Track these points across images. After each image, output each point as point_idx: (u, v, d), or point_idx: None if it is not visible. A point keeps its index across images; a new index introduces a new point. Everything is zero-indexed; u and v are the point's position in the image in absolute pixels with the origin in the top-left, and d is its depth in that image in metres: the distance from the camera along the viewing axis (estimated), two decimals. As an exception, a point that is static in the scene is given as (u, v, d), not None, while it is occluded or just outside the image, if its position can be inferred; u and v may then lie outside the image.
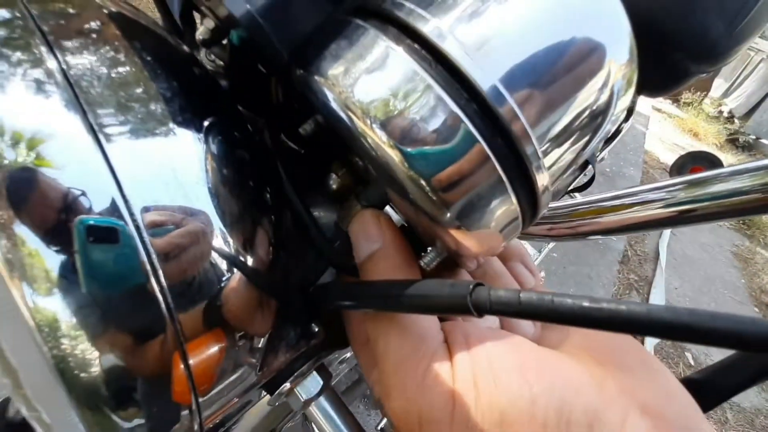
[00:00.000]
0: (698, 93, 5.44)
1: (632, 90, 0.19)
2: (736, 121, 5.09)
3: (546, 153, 0.16)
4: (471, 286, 0.13)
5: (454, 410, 0.16)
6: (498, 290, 0.12)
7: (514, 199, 0.15)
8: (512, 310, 0.12)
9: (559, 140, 0.16)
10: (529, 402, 0.15)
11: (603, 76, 0.17)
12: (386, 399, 0.18)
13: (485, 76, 0.14)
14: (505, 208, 0.15)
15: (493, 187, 0.15)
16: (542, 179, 0.16)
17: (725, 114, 5.23)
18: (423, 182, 0.14)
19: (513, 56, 0.15)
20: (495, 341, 0.17)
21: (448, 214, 0.15)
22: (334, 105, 0.15)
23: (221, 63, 0.27)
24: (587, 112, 0.17)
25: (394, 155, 0.14)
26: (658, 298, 2.11)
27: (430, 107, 0.14)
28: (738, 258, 2.76)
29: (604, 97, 0.17)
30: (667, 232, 2.65)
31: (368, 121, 0.14)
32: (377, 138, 0.14)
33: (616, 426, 0.14)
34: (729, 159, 4.29)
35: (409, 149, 0.14)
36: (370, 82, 0.15)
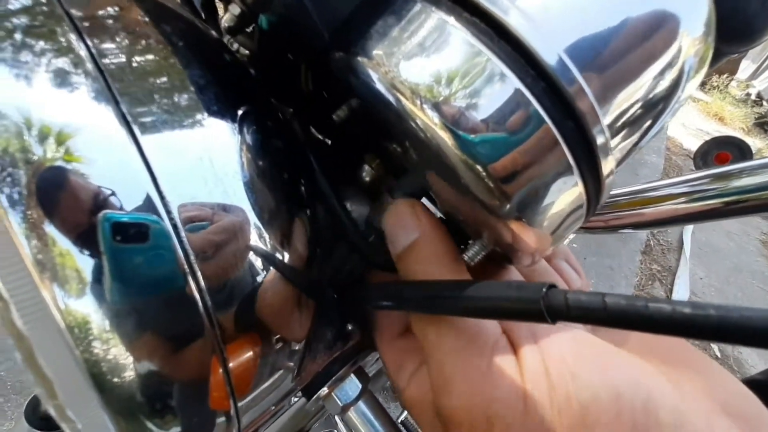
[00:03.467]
0: (724, 75, 5.22)
1: (704, 71, 0.17)
2: (764, 103, 4.87)
3: (613, 135, 0.14)
4: (544, 289, 0.11)
5: (526, 403, 0.14)
6: (577, 293, 0.11)
7: (581, 188, 0.14)
8: (596, 317, 0.10)
9: (624, 122, 0.15)
10: (613, 397, 0.13)
11: (673, 52, 0.15)
12: (445, 396, 0.16)
13: (549, 48, 0.12)
14: (571, 197, 0.14)
15: (560, 174, 0.13)
16: (608, 164, 0.14)
17: (753, 97, 5.00)
18: (480, 169, 0.13)
19: (578, 24, 0.13)
20: (564, 335, 0.15)
21: (509, 206, 0.13)
22: (379, 86, 0.14)
23: (246, 52, 0.26)
24: (655, 92, 0.15)
25: (446, 138, 0.13)
26: (682, 289, 2.05)
27: (490, 85, 0.13)
28: (767, 246, 2.66)
29: (672, 77, 0.15)
30: (691, 221, 2.55)
31: (418, 102, 0.13)
32: (428, 120, 0.13)
33: (704, 427, 0.13)
34: (757, 144, 4.12)
35: (465, 132, 0.13)
36: (421, 59, 0.13)
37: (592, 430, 0.13)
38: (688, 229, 2.48)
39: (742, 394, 0.15)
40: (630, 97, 0.14)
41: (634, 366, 0.14)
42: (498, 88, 0.13)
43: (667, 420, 0.13)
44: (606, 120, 0.14)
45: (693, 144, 3.56)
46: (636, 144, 0.16)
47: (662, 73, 0.15)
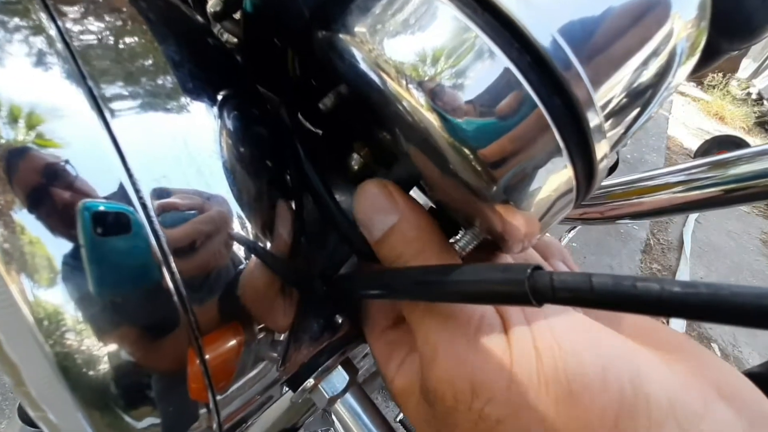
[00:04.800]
0: (724, 74, 5.21)
1: (695, 58, 0.17)
2: (765, 103, 4.86)
3: (606, 119, 0.14)
4: (529, 270, 0.11)
5: (512, 373, 0.14)
6: (563, 274, 0.10)
7: (570, 171, 0.13)
8: (582, 298, 0.10)
9: (617, 105, 0.14)
10: (600, 369, 0.13)
11: (664, 34, 0.14)
12: (431, 368, 0.15)
13: (542, 27, 0.12)
14: (559, 181, 0.13)
15: (548, 156, 0.13)
16: (602, 147, 0.14)
17: (753, 96, 4.99)
18: (468, 151, 0.12)
19: (569, 4, 0.13)
20: (555, 313, 0.15)
21: (495, 188, 0.13)
22: (363, 66, 0.13)
23: (234, 40, 0.26)
24: (645, 76, 0.14)
25: (433, 120, 0.12)
26: (682, 287, 2.04)
27: (478, 64, 0.12)
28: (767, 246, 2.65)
29: (662, 60, 0.15)
30: (691, 220, 2.56)
31: (404, 82, 0.12)
32: (414, 101, 0.12)
33: (699, 408, 0.13)
34: (758, 143, 4.11)
35: (452, 113, 0.12)
36: (405, 36, 0.13)
37: (578, 401, 0.13)
38: (689, 228, 2.47)
39: (738, 378, 0.15)
40: (621, 79, 0.14)
41: (625, 344, 0.14)
42: (487, 67, 0.12)
43: (658, 398, 0.12)
44: (599, 102, 0.13)
45: (693, 143, 3.56)
46: (626, 130, 0.16)
47: (653, 56, 0.14)
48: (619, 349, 0.14)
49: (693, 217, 2.59)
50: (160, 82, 0.15)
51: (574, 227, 0.69)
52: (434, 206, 0.22)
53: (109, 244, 0.13)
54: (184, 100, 0.15)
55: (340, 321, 0.21)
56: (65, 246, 0.13)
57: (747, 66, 5.29)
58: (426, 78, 0.12)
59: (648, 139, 3.44)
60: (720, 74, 5.19)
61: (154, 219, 0.13)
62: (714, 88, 5.22)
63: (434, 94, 0.12)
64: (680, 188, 0.29)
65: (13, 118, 0.13)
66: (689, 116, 4.48)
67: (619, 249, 2.15)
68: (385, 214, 0.17)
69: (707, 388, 0.13)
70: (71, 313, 0.13)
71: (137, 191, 0.13)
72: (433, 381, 0.15)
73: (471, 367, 0.14)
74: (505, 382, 0.14)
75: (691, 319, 0.09)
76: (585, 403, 0.13)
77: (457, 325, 0.15)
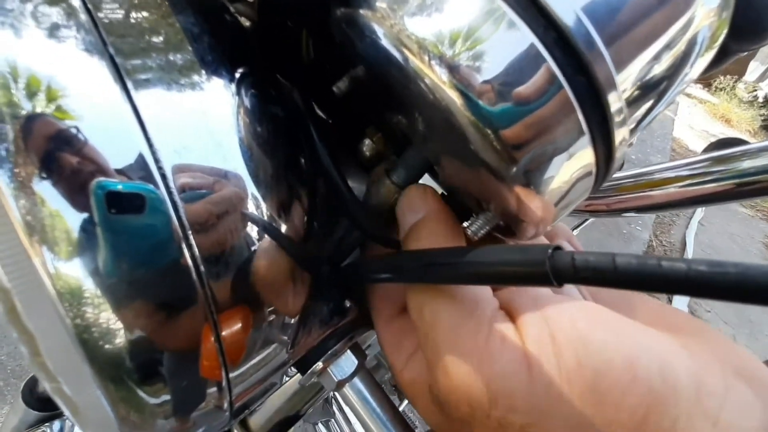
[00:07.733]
0: (731, 77, 5.17)
1: (713, 51, 0.17)
2: (772, 106, 4.83)
3: (628, 103, 0.14)
4: (549, 250, 0.11)
5: (532, 373, 0.13)
6: (585, 254, 0.10)
7: (591, 154, 0.13)
8: (606, 278, 0.10)
9: (636, 92, 0.14)
10: (628, 362, 0.12)
11: (687, 19, 0.14)
12: (442, 376, 0.15)
13: (566, 4, 0.12)
14: (580, 164, 0.13)
15: (570, 137, 0.13)
16: (621, 132, 0.14)
17: (760, 99, 4.96)
18: (488, 129, 0.12)
19: None
20: (570, 303, 0.15)
21: (515, 168, 0.13)
22: (384, 42, 0.13)
23: (246, 24, 0.26)
24: (666, 62, 0.14)
25: (455, 97, 0.12)
26: (684, 289, 2.04)
27: (500, 38, 0.12)
28: (770, 249, 2.64)
29: (683, 47, 0.14)
30: (694, 222, 2.55)
31: (426, 58, 0.12)
32: (436, 78, 0.12)
33: (720, 390, 0.12)
34: (763, 146, 4.09)
35: (474, 91, 0.12)
36: (428, 11, 0.12)
37: (605, 397, 0.12)
38: (692, 230, 2.47)
39: (754, 361, 0.14)
40: (642, 63, 0.14)
41: (646, 331, 0.14)
42: (511, 43, 0.12)
43: (685, 383, 0.12)
44: (621, 85, 0.13)
45: (698, 145, 3.54)
46: (640, 121, 0.16)
47: (674, 42, 0.14)
48: (643, 337, 0.13)
49: (696, 219, 2.58)
50: (180, 55, 0.15)
51: (581, 224, 0.68)
52: (445, 192, 0.22)
53: (124, 222, 0.13)
54: (204, 74, 0.15)
55: (348, 306, 0.21)
56: (83, 220, 0.13)
57: (754, 69, 5.25)
58: (449, 54, 0.12)
59: (653, 140, 3.42)
60: (728, 77, 5.15)
61: (175, 192, 0.13)
62: (721, 90, 5.19)
63: (457, 71, 0.12)
64: (687, 182, 0.29)
65: (32, 90, 0.13)
66: (695, 118, 4.45)
67: (621, 250, 2.14)
68: (414, 211, 0.18)
69: (726, 370, 0.13)
70: (90, 287, 0.13)
71: (157, 162, 0.13)
72: (444, 391, 0.15)
73: (487, 375, 0.14)
74: (525, 387, 0.13)
75: (718, 299, 0.09)
76: (614, 399, 0.12)
77: (467, 329, 0.15)
